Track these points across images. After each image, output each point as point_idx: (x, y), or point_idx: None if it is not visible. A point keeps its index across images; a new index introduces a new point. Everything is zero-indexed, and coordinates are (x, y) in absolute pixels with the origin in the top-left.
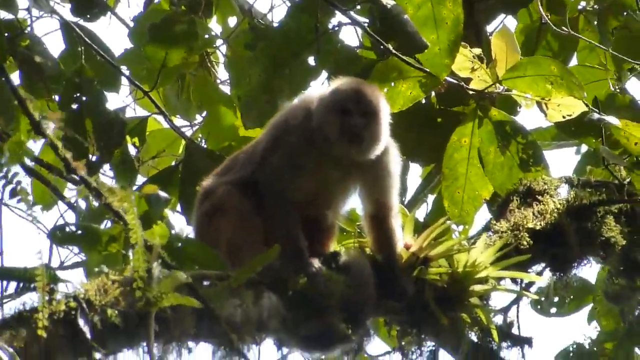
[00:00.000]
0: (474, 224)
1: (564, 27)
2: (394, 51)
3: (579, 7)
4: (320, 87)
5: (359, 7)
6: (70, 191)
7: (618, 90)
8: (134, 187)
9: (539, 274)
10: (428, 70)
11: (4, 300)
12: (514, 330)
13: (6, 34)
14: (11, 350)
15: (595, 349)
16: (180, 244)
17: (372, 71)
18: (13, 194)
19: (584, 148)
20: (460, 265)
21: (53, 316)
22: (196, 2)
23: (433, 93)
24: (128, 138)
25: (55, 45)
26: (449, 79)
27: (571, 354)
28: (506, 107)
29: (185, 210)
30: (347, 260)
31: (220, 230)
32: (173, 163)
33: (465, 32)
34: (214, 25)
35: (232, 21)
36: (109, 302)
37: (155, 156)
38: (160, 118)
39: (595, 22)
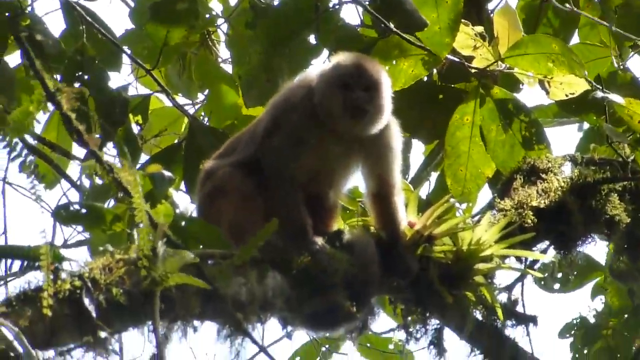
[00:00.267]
0: (477, 203)
1: (566, 4)
2: (394, 29)
3: None
4: (320, 65)
5: None
6: (74, 169)
7: (620, 68)
8: (138, 166)
9: (543, 252)
10: (429, 48)
11: (9, 279)
12: (519, 308)
13: (7, 14)
14: (16, 329)
15: (599, 322)
16: (184, 223)
17: (373, 49)
18: (23, 167)
19: (586, 125)
20: (465, 243)
21: (58, 295)
22: None
23: (435, 70)
24: (131, 117)
25: (56, 25)
26: (450, 56)
27: (575, 328)
28: (508, 85)
29: (189, 189)
30: (350, 239)
31: (222, 211)
32: (176, 141)
33: (465, 10)
34: (215, 4)
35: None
36: (114, 281)
37: (158, 134)
38: (162, 96)
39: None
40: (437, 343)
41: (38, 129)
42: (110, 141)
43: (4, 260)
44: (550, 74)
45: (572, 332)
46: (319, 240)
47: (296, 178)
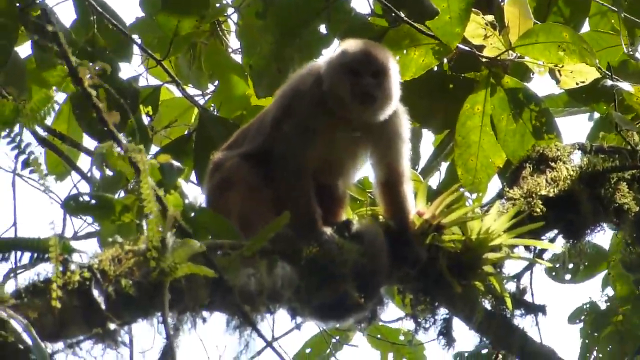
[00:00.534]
0: (487, 192)
1: None
2: (405, 18)
3: None
4: (328, 54)
5: None
6: (84, 161)
7: (631, 55)
8: (148, 157)
9: (552, 240)
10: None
11: (18, 271)
12: (527, 297)
13: (17, 4)
14: (25, 321)
15: (609, 308)
16: (193, 214)
17: (384, 39)
18: (26, 164)
19: (597, 115)
20: (474, 233)
21: (67, 287)
22: None
23: (445, 60)
24: (141, 107)
25: (66, 15)
26: (461, 46)
27: (585, 314)
28: (518, 74)
29: (199, 179)
30: (359, 229)
31: (230, 203)
32: (186, 132)
33: None
34: None
35: None
36: (123, 273)
37: (168, 125)
38: (172, 87)
39: None
40: (446, 333)
41: (48, 121)
42: (121, 133)
43: (13, 253)
44: (561, 63)
45: (582, 317)
46: (328, 230)
47: (306, 167)
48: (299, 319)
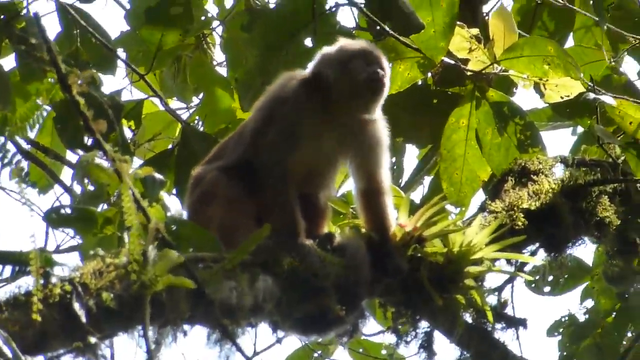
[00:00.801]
0: (470, 206)
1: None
2: (390, 32)
3: None
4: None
5: None
6: (67, 174)
7: (614, 65)
8: (130, 171)
9: (533, 253)
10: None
11: (0, 285)
12: (508, 310)
13: (2, 16)
14: (5, 334)
15: (588, 321)
16: (175, 226)
17: None
18: (13, 174)
19: (580, 129)
20: (456, 245)
21: (48, 300)
22: None
23: (429, 74)
24: (124, 121)
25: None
26: (445, 59)
27: (564, 327)
28: (502, 88)
29: (180, 193)
30: (341, 242)
31: (211, 216)
32: (169, 146)
33: (461, 12)
34: (210, 7)
35: (229, 2)
36: (104, 286)
37: (152, 139)
38: (156, 100)
39: (591, 2)
40: (427, 346)
41: (32, 134)
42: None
43: None
44: (546, 76)
45: (561, 330)
46: (310, 243)
47: (289, 176)
48: (280, 333)
